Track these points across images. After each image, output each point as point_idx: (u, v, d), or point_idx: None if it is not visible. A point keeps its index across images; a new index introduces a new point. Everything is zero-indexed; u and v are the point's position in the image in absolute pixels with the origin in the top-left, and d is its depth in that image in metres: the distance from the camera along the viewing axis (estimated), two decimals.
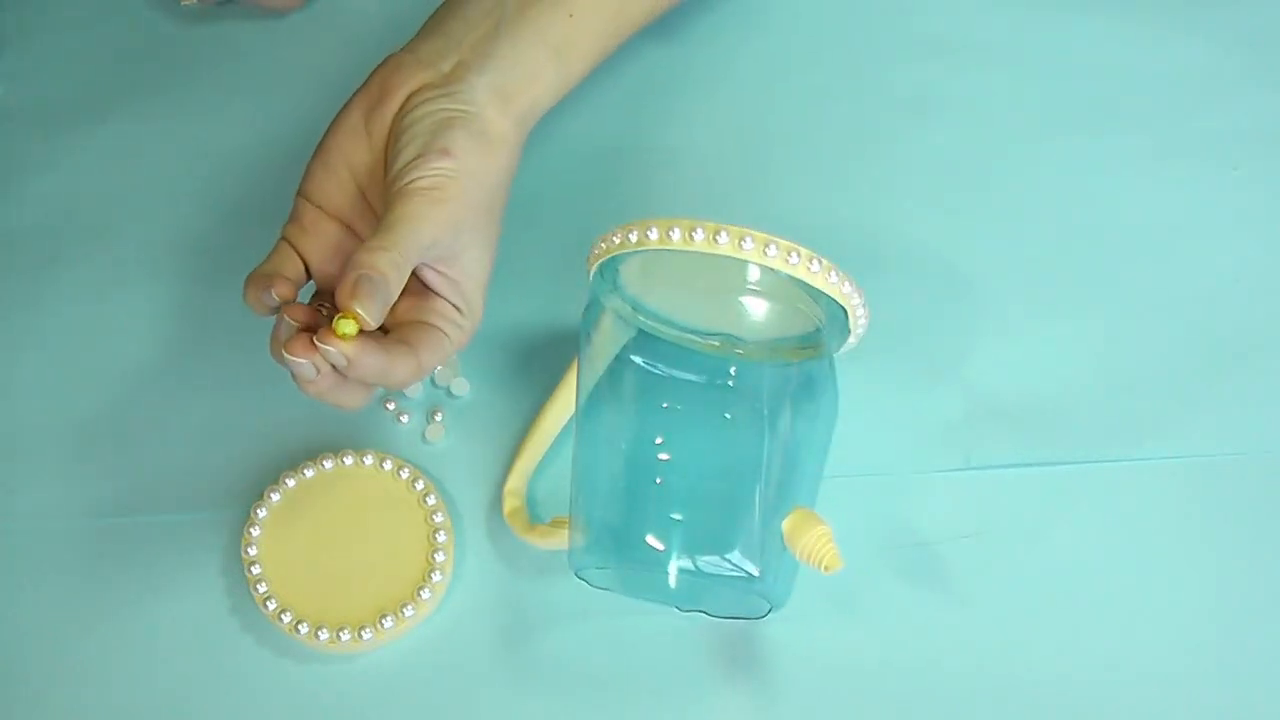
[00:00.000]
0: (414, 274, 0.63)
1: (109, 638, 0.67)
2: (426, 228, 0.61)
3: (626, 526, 0.62)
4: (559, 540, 0.64)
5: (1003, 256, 0.74)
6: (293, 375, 0.60)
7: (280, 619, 0.65)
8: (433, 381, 0.72)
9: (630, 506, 0.63)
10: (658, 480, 0.63)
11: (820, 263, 0.61)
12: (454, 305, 0.64)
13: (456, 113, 0.64)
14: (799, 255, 0.61)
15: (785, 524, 0.61)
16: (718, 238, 0.60)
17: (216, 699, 0.65)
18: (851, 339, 0.66)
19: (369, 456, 0.69)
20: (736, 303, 0.63)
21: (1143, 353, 0.72)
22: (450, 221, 0.62)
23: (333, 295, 0.61)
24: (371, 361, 0.59)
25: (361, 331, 0.58)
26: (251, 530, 0.67)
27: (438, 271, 0.64)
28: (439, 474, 0.70)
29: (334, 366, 0.59)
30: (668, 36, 0.81)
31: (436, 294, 0.64)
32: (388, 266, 0.59)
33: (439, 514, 0.68)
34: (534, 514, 0.68)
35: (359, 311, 0.58)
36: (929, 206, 0.76)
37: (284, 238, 0.65)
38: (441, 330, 0.64)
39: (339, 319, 0.58)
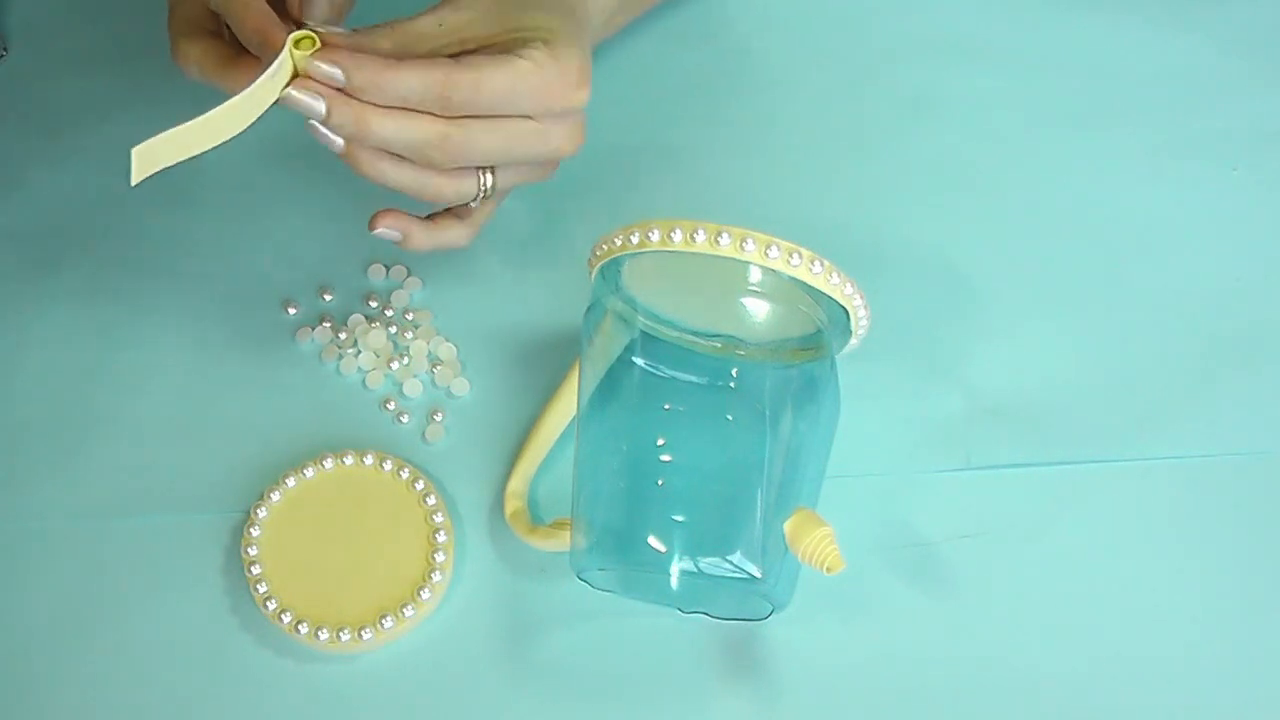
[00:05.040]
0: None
1: (109, 638, 0.66)
2: (422, 16, 0.63)
3: (628, 528, 0.62)
4: (561, 542, 0.64)
5: (1003, 256, 0.74)
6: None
7: (280, 619, 0.65)
8: (433, 381, 0.72)
9: (632, 508, 0.63)
10: (659, 482, 0.63)
11: (822, 264, 0.61)
12: (531, 51, 0.63)
13: None
14: (800, 257, 0.61)
15: (787, 525, 0.61)
16: (719, 239, 0.60)
17: (216, 699, 0.65)
18: (853, 340, 0.66)
19: (369, 456, 0.69)
20: (738, 304, 0.63)
21: (1143, 353, 0.72)
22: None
23: None
24: (374, 73, 0.60)
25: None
26: (251, 530, 0.67)
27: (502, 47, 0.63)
28: (439, 474, 0.70)
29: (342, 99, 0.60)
30: (667, 37, 0.81)
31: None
32: (374, 35, 0.62)
33: (439, 514, 0.68)
34: (535, 515, 0.68)
35: (307, 25, 0.61)
36: (929, 206, 0.76)
37: None
38: (512, 54, 0.62)
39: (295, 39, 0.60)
